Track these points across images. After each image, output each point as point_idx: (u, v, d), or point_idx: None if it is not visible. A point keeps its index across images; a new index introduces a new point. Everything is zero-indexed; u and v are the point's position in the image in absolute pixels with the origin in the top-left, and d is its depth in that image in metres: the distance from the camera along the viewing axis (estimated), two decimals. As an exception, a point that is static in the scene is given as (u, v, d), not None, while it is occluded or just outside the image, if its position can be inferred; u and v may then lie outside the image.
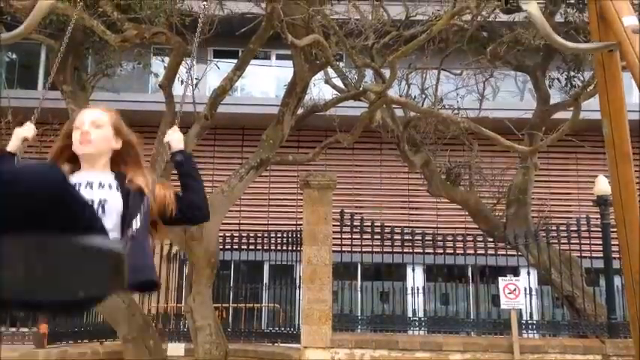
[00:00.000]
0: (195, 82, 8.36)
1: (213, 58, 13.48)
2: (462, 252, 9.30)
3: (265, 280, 10.80)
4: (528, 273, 9.14)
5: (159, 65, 11.24)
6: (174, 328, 9.50)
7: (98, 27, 7.12)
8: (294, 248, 9.46)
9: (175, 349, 8.90)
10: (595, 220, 9.21)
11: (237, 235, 10.08)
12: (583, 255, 9.26)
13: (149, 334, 7.75)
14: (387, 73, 7.92)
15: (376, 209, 12.91)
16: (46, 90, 3.56)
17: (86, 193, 2.13)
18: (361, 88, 8.48)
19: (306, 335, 8.35)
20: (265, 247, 9.87)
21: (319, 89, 10.19)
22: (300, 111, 8.55)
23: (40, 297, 1.62)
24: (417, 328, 9.07)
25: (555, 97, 10.34)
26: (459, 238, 9.43)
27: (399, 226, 9.70)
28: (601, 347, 8.28)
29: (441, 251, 9.34)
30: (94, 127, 2.28)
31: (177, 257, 10.20)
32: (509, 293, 8.52)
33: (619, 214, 3.74)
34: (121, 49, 8.48)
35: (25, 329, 9.51)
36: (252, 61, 8.25)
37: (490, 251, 9.39)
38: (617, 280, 8.44)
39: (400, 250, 9.27)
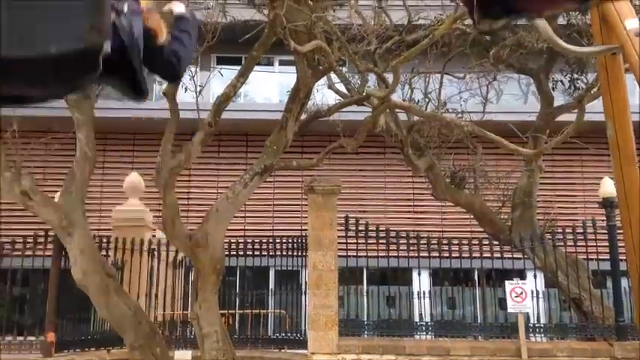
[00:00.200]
0: (198, 89, 8.38)
1: (217, 65, 13.54)
2: (468, 255, 9.29)
3: (271, 285, 10.80)
4: (535, 276, 9.12)
5: (163, 73, 11.26)
6: (180, 335, 9.51)
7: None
8: (300, 254, 9.44)
9: (182, 356, 8.90)
10: (601, 222, 9.19)
11: (242, 241, 10.07)
12: (589, 257, 9.24)
13: (156, 342, 7.75)
14: (390, 77, 7.93)
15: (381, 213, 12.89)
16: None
17: None
18: (364, 93, 8.48)
19: (312, 341, 8.35)
20: (271, 253, 9.86)
21: (322, 95, 10.20)
22: (303, 116, 8.54)
23: (2, 53, 1.35)
24: (424, 333, 9.02)
25: (559, 99, 10.32)
26: (465, 241, 9.42)
27: (405, 231, 9.69)
28: (609, 350, 8.25)
29: (447, 255, 9.32)
30: None
31: (182, 264, 10.21)
32: (516, 297, 8.49)
33: (625, 216, 3.74)
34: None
35: (33, 338, 9.49)
36: (256, 68, 8.25)
37: (496, 254, 9.37)
38: (625, 282, 8.41)
39: (406, 255, 9.25)
